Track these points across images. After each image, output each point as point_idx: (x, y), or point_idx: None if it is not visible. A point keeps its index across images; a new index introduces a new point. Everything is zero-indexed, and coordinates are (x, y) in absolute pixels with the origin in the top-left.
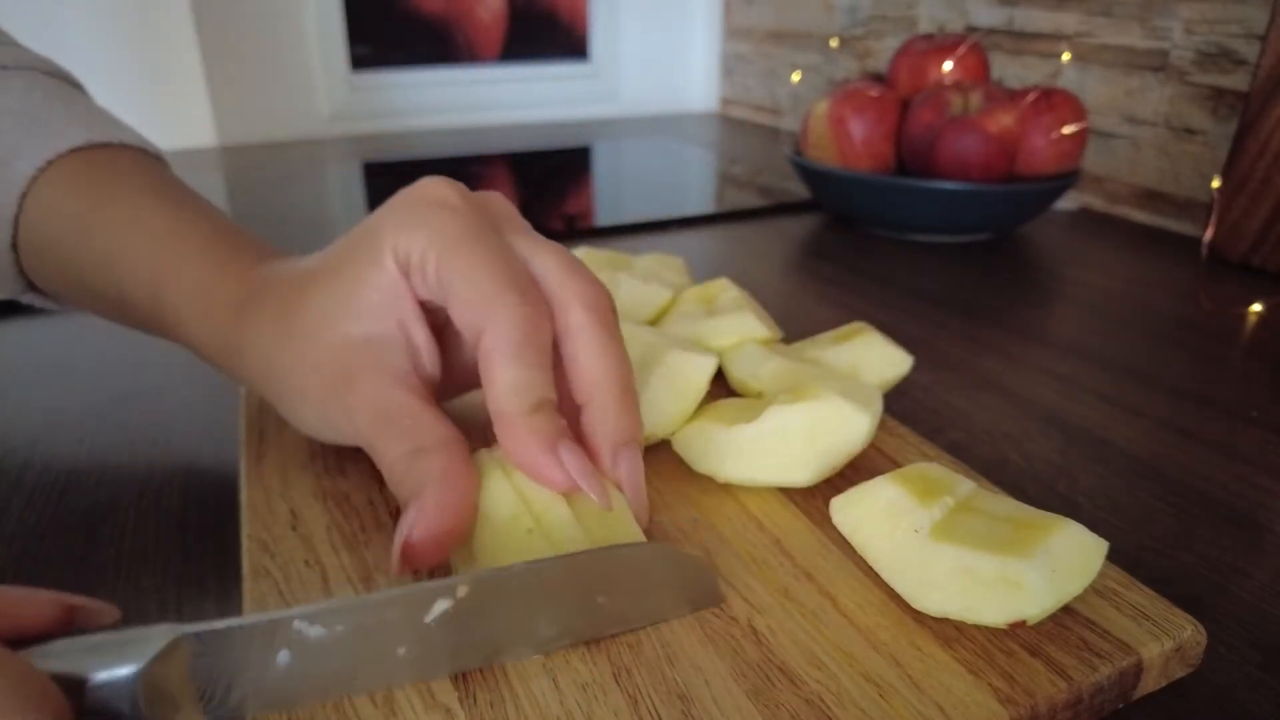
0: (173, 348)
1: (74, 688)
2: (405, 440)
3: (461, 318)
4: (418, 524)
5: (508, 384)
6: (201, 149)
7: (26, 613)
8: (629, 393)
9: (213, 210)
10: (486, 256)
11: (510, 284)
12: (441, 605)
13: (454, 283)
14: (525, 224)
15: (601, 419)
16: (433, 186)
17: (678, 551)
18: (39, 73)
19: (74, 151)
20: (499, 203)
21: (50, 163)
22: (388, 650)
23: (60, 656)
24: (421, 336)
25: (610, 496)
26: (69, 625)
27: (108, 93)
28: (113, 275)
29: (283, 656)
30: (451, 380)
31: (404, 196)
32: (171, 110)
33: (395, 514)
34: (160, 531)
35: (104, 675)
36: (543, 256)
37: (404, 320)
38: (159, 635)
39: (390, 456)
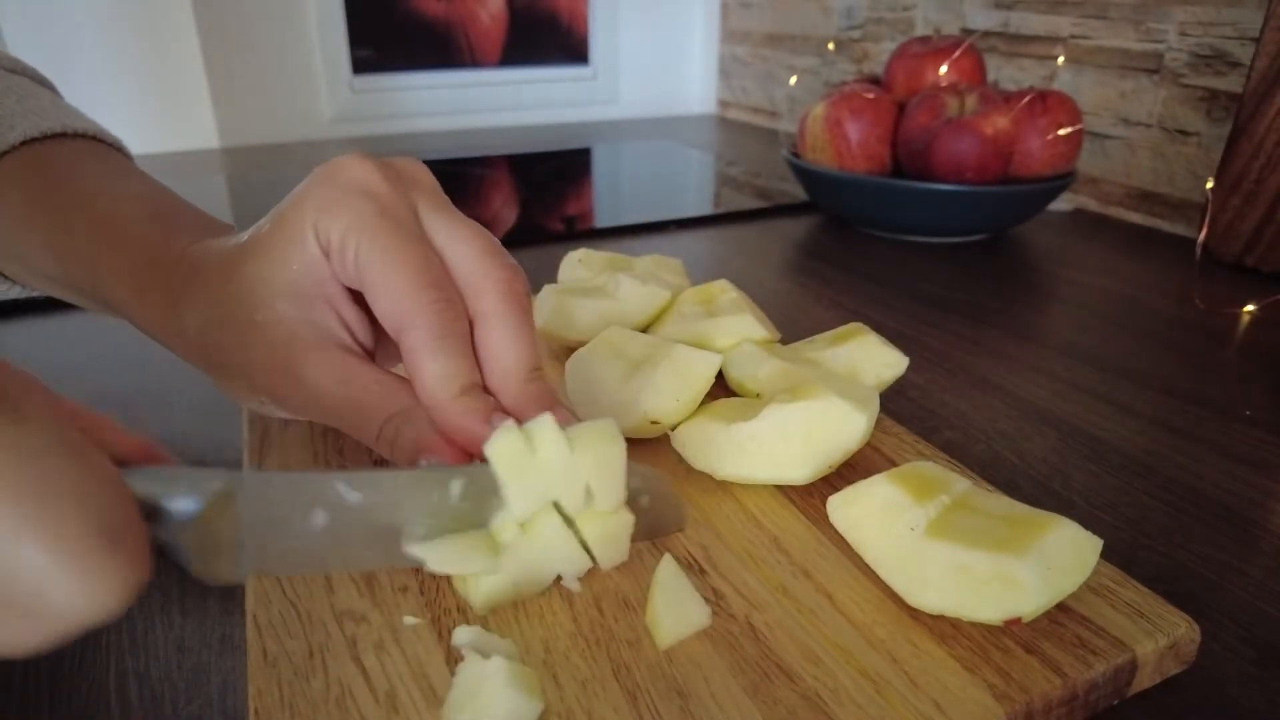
0: None
1: (147, 513)
2: (382, 407)
3: (381, 313)
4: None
5: (434, 375)
6: (203, 150)
7: (124, 447)
8: (529, 377)
9: (159, 193)
10: (403, 250)
11: (427, 280)
12: (459, 484)
13: (373, 277)
14: (444, 199)
15: (514, 404)
16: (355, 167)
17: (653, 471)
18: (3, 70)
19: (26, 143)
20: (418, 174)
21: (4, 155)
22: (413, 526)
23: (139, 480)
24: (350, 312)
25: None
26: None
27: (110, 95)
28: (56, 260)
29: (320, 517)
30: (385, 350)
31: (327, 175)
32: (174, 112)
33: None
34: None
35: (170, 505)
36: (460, 238)
37: (332, 299)
38: (216, 477)
39: (375, 424)
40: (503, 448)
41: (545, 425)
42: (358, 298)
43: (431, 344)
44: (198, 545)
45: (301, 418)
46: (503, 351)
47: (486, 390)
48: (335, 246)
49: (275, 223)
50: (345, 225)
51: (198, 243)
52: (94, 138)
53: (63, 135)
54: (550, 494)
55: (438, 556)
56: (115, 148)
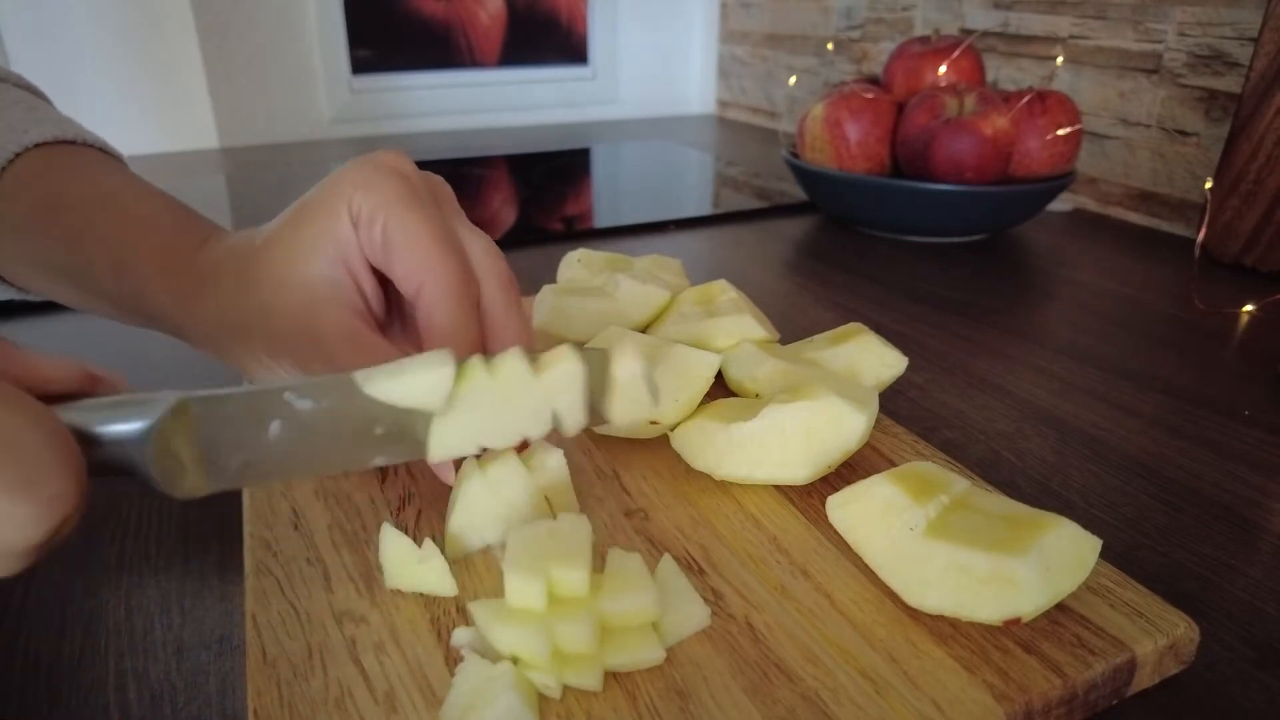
0: (174, 344)
1: (89, 441)
2: None
3: (403, 272)
4: None
5: (447, 328)
6: (203, 150)
7: (52, 374)
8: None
9: (171, 196)
10: (429, 223)
11: (448, 247)
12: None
13: (399, 242)
14: (460, 209)
15: None
16: (388, 156)
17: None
18: (9, 84)
19: (40, 146)
20: (441, 184)
21: (19, 155)
22: (366, 428)
23: (79, 412)
24: (369, 285)
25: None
26: (90, 391)
27: (110, 95)
28: (77, 251)
29: (275, 427)
30: (394, 331)
31: (363, 161)
32: (173, 112)
33: (396, 513)
34: (162, 530)
35: (118, 429)
36: (469, 238)
37: (354, 270)
38: (167, 398)
39: None
40: (469, 377)
41: (511, 355)
42: (378, 277)
43: (448, 300)
44: (159, 464)
45: None
46: (506, 330)
47: None
48: (365, 219)
49: (311, 198)
50: (377, 200)
51: (220, 235)
52: (101, 150)
53: (73, 143)
54: (517, 425)
55: (388, 387)
56: (118, 157)
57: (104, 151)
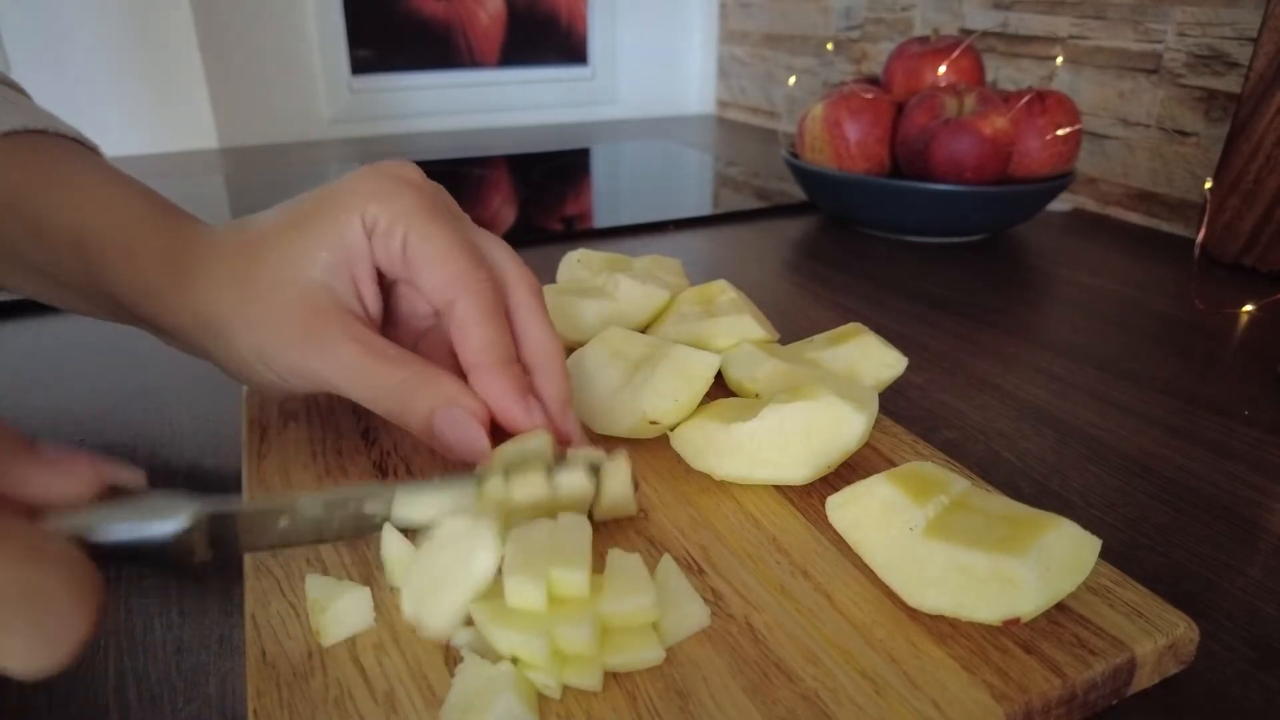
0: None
1: (108, 548)
2: (401, 367)
3: (433, 286)
4: (481, 411)
5: (484, 341)
6: (202, 151)
7: (63, 483)
8: (564, 364)
9: (144, 186)
10: (455, 238)
11: (479, 261)
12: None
13: (426, 255)
14: (467, 217)
15: (550, 381)
16: (400, 167)
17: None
18: None
19: (6, 136)
20: (448, 195)
21: None
22: (368, 516)
23: (99, 519)
24: (370, 293)
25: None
26: (105, 490)
27: (109, 95)
28: (42, 242)
29: (283, 522)
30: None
31: (374, 170)
32: (172, 112)
33: None
34: None
35: (139, 538)
36: (490, 245)
37: (358, 277)
38: (183, 509)
39: (393, 380)
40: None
41: (531, 479)
42: (380, 284)
43: (482, 314)
44: (175, 558)
45: (311, 388)
46: (540, 333)
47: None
48: (382, 230)
49: (320, 202)
50: (395, 212)
51: (200, 228)
52: (74, 140)
53: (43, 133)
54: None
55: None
56: (92, 148)
57: (79, 143)
